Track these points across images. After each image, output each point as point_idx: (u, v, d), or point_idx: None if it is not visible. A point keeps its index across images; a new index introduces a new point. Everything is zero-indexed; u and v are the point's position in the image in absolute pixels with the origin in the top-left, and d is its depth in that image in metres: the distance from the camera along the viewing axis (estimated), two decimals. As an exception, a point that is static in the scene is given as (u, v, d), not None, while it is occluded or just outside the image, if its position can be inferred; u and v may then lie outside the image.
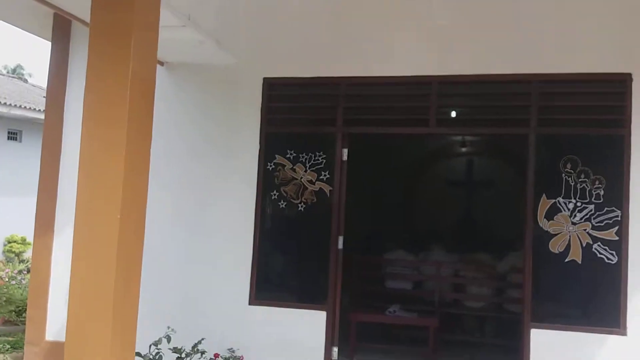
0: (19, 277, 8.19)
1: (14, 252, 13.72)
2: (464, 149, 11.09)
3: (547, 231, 5.09)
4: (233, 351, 5.44)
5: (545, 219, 5.09)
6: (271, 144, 5.79)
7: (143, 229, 3.74)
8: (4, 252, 13.85)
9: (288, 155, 5.75)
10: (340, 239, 5.62)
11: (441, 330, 7.00)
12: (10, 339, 6.93)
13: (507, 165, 10.68)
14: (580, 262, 5.00)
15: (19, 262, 11.91)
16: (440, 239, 8.42)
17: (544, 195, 5.12)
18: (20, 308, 7.18)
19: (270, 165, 5.78)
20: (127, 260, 3.57)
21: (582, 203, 5.06)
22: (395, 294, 7.63)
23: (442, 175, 11.39)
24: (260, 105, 5.81)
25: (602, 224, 5.01)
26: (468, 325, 7.73)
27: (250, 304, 5.68)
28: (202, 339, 5.21)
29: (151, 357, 4.70)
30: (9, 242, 14.02)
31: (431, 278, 7.64)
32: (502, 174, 10.73)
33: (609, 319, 4.89)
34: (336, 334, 5.54)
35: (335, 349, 5.51)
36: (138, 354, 4.27)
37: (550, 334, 4.98)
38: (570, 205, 5.08)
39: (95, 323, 3.43)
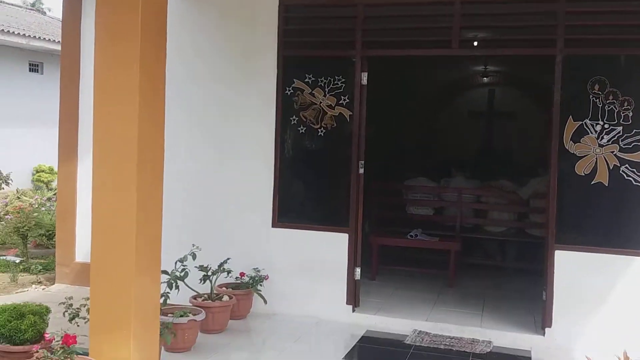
0: (48, 204, 8.38)
1: (42, 181, 14.03)
2: (485, 79, 10.86)
3: (573, 154, 5.00)
4: (258, 270, 5.57)
5: (571, 142, 4.99)
6: (289, 68, 5.70)
7: (162, 147, 3.74)
8: (32, 181, 14.17)
9: (307, 80, 5.66)
10: (361, 164, 5.60)
11: (462, 254, 7.08)
12: (42, 261, 7.18)
13: (528, 95, 10.50)
14: (607, 185, 4.93)
15: (48, 191, 12.18)
16: (461, 167, 8.34)
17: (570, 117, 5.00)
18: (50, 232, 7.40)
19: (289, 90, 5.71)
20: (147, 179, 3.60)
21: (610, 125, 4.94)
22: (416, 220, 7.68)
23: (463, 105, 11.25)
24: (277, 28, 5.69)
25: (631, 146, 4.90)
26: (489, 250, 7.81)
27: (273, 226, 5.76)
28: (228, 259, 5.34)
29: (177, 273, 4.83)
30: (37, 172, 14.32)
31: (452, 204, 7.65)
32: (522, 104, 10.56)
33: (635, 240, 4.87)
34: (359, 256, 5.63)
35: (358, 270, 5.61)
36: (164, 272, 4.39)
37: (575, 255, 4.98)
38: (598, 128, 4.96)
39: (118, 243, 3.52)
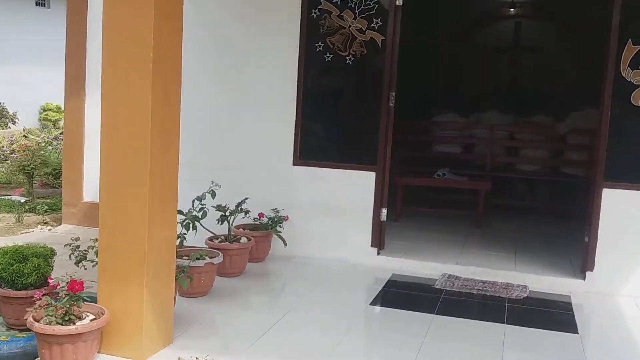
0: (55, 143, 8.04)
1: (49, 120, 13.67)
2: (512, 11, 10.11)
3: (630, 82, 4.49)
4: (277, 211, 5.22)
5: (629, 69, 4.48)
6: (315, -12, 5.17)
7: (179, 76, 3.35)
8: (39, 120, 13.83)
9: (335, 0, 5.13)
10: (392, 96, 5.13)
11: (492, 195, 6.68)
12: (49, 200, 6.89)
13: (560, 28, 9.77)
14: (664, 117, 4.45)
15: (55, 129, 11.84)
16: (493, 102, 7.84)
17: (629, 41, 4.47)
18: (57, 171, 7.08)
19: (315, 12, 5.18)
20: (163, 112, 3.22)
21: (672, 50, 4.42)
22: (444, 159, 7.27)
23: (491, 39, 10.55)
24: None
25: (695, 74, 4.40)
26: (520, 190, 7.39)
27: (294, 164, 5.37)
28: (246, 199, 4.98)
29: (195, 213, 4.49)
30: (45, 111, 13.95)
31: (483, 141, 7.20)
32: (551, 37, 9.85)
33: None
34: (385, 195, 5.24)
35: (384, 211, 5.24)
36: (179, 212, 4.05)
37: (625, 194, 4.56)
38: (659, 53, 4.44)
39: (130, 180, 3.16)
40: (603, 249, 4.65)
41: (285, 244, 5.14)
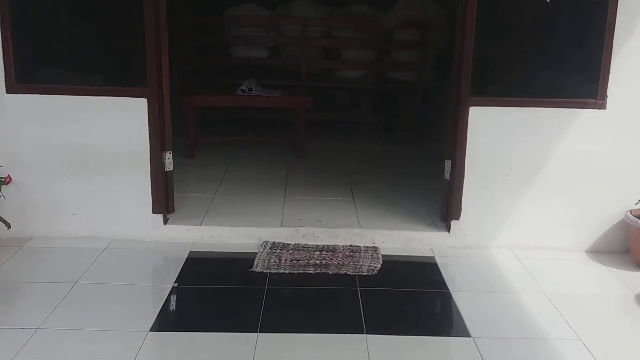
0: None
1: None
2: None
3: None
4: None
5: None
6: None
7: None
8: None
9: None
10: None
11: (310, 110, 5.18)
12: None
13: None
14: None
15: None
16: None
17: None
18: None
19: None
20: None
21: None
22: (247, 67, 5.55)
23: None
24: None
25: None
26: (341, 101, 6.03)
27: (9, 91, 3.28)
28: None
29: None
30: None
31: (294, 41, 5.58)
32: None
33: (568, 89, 3.33)
34: (168, 132, 3.44)
35: (169, 156, 3.47)
36: None
37: (499, 113, 3.34)
38: None
39: None
40: (471, 189, 3.45)
41: (8, 226, 3.16)
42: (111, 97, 3.31)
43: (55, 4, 3.26)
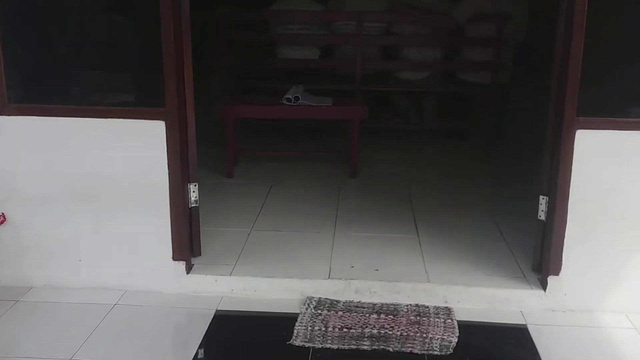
0: None
1: None
2: None
3: None
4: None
5: None
6: None
7: None
8: None
9: None
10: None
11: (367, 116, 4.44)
12: None
13: None
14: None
15: None
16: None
17: None
18: None
19: None
20: None
21: None
22: (293, 69, 4.88)
23: None
24: None
25: None
26: (402, 107, 5.27)
27: (1, 112, 2.71)
28: None
29: None
30: None
31: (348, 40, 4.85)
32: None
33: None
34: (193, 160, 2.81)
35: (194, 188, 2.84)
36: None
37: (614, 138, 2.54)
38: None
39: None
40: (574, 235, 2.66)
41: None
42: (121, 120, 2.69)
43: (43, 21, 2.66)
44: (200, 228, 2.94)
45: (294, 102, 4.15)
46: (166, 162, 2.72)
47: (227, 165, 4.16)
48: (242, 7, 4.86)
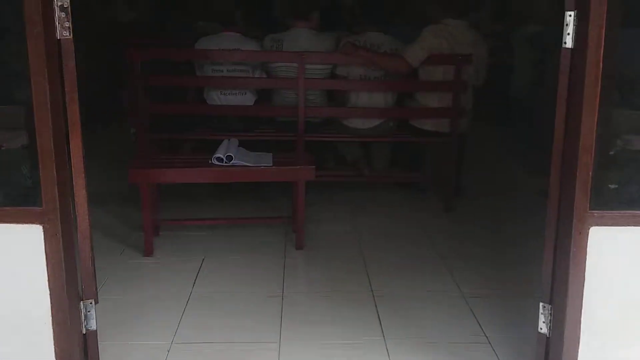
0: None
1: None
2: None
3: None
4: None
5: None
6: None
7: None
8: None
9: None
10: (62, 8, 1.87)
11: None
12: None
13: None
14: None
15: None
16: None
17: None
18: None
19: None
20: None
21: None
22: (227, 115, 4.19)
23: None
24: None
25: None
26: (349, 155, 4.65)
27: None
28: None
29: None
30: None
31: (288, 83, 4.19)
32: None
33: None
34: (86, 273, 2.06)
35: (89, 308, 2.09)
36: None
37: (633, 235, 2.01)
38: None
39: None
40: (587, 355, 2.09)
41: None
42: (-21, 225, 1.93)
43: None
44: (102, 350, 2.19)
45: (226, 162, 3.45)
46: (46, 278, 1.97)
47: (145, 240, 3.40)
48: (162, 46, 4.12)
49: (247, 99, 4.26)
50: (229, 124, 4.19)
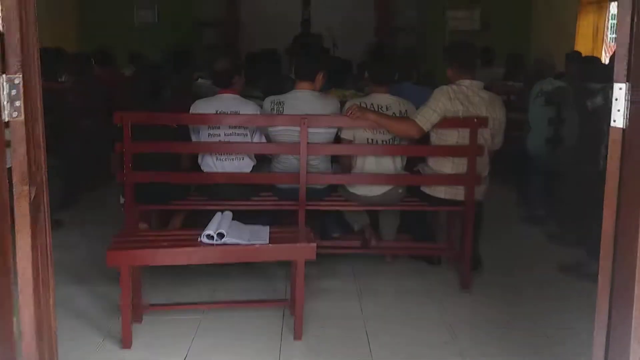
0: None
1: None
2: None
3: None
4: None
5: None
6: None
7: None
8: None
9: None
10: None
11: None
12: None
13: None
14: None
15: None
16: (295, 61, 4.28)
17: None
18: None
19: None
20: None
21: None
22: (218, 185, 3.85)
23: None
24: None
25: None
26: (360, 224, 4.28)
27: None
28: None
29: None
30: None
31: (291, 149, 3.86)
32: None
33: None
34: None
35: None
36: None
37: None
38: None
39: None
40: None
41: None
42: None
43: None
44: None
45: (216, 241, 3.08)
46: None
47: (122, 330, 3.01)
48: (153, 110, 3.82)
49: (244, 164, 3.94)
50: (226, 191, 3.85)
